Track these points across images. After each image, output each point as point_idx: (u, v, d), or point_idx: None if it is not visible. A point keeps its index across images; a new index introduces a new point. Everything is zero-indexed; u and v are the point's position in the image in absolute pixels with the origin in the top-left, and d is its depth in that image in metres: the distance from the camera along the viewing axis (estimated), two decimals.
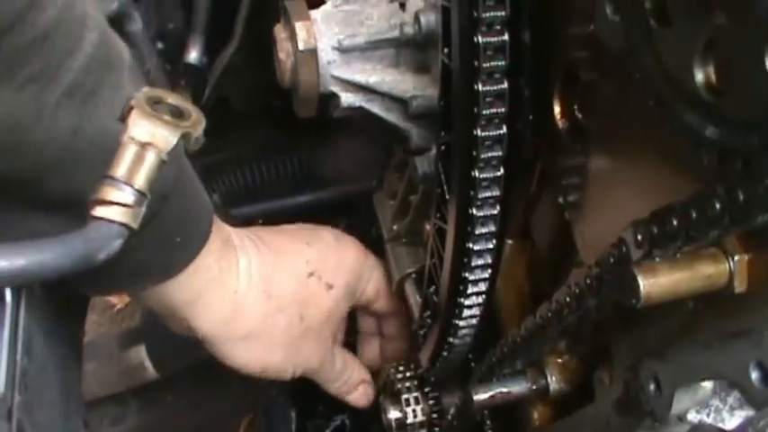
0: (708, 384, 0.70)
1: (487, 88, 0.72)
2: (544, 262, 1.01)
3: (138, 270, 0.86)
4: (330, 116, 0.95)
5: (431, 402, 1.14)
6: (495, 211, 0.79)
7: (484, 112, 0.73)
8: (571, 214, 0.84)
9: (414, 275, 1.11)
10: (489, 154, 0.75)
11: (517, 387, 0.94)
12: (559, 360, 0.93)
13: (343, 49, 0.90)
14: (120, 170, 0.67)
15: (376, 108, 0.93)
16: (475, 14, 0.69)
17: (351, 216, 1.40)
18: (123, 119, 0.68)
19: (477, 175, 0.76)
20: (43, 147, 0.69)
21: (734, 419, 0.71)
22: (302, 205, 1.42)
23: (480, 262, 0.83)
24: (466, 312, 0.90)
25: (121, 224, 0.67)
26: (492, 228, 0.80)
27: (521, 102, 0.76)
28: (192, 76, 1.32)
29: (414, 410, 1.13)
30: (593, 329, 0.80)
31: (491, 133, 0.74)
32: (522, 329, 0.86)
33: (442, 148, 0.82)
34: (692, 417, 0.71)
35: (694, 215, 0.57)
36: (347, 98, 0.92)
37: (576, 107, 0.80)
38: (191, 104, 0.72)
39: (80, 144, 0.70)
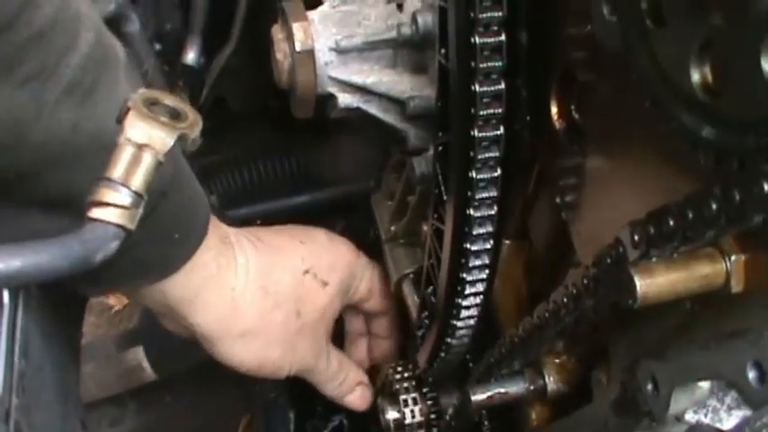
0: (705, 384, 0.70)
1: (484, 89, 0.72)
2: (541, 262, 1.01)
3: (137, 268, 0.86)
4: (327, 117, 0.95)
5: (429, 403, 1.14)
6: (493, 212, 0.79)
7: (481, 112, 0.73)
8: (568, 214, 0.84)
9: (411, 276, 1.11)
10: (486, 154, 0.75)
11: (515, 387, 0.94)
12: (557, 360, 0.93)
13: (340, 50, 0.90)
14: (117, 171, 0.67)
15: (373, 109, 0.93)
16: (472, 15, 0.69)
17: (348, 217, 1.40)
18: (120, 120, 0.68)
19: (474, 175, 0.76)
20: (43, 145, 0.69)
21: (731, 419, 0.71)
22: (300, 206, 1.42)
23: (478, 262, 0.83)
24: (464, 313, 0.90)
25: (118, 226, 0.67)
26: (489, 228, 0.80)
27: (518, 102, 0.76)
28: (190, 77, 1.32)
29: (412, 411, 1.13)
30: (591, 330, 0.80)
31: (488, 134, 0.74)
32: (520, 330, 0.86)
33: (440, 148, 0.82)
34: (690, 417, 0.71)
35: (691, 215, 0.58)
36: (344, 99, 0.92)
37: (573, 108, 0.80)
38: (188, 106, 0.73)
39: (80, 141, 0.71)
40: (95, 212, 0.67)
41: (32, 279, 0.68)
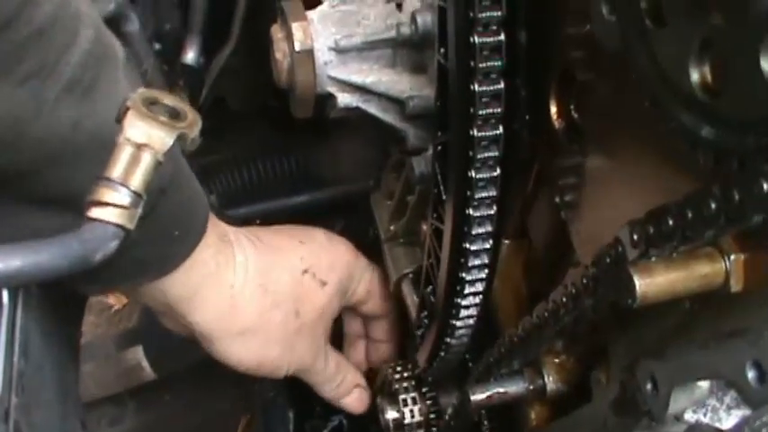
0: (704, 384, 0.70)
1: (484, 88, 0.72)
2: (541, 262, 1.01)
3: (136, 267, 0.86)
4: (327, 117, 0.95)
5: (428, 403, 1.14)
6: (492, 212, 0.79)
7: (480, 112, 0.72)
8: (568, 214, 0.84)
9: (411, 276, 1.11)
10: (486, 154, 0.75)
11: (514, 387, 0.94)
12: (556, 360, 0.93)
13: (339, 50, 0.90)
14: (116, 171, 0.67)
15: (373, 108, 0.93)
16: (471, 15, 0.69)
17: (348, 216, 1.40)
18: (119, 120, 0.68)
19: (473, 175, 0.76)
20: (43, 142, 0.70)
21: (731, 419, 0.71)
22: (299, 206, 1.42)
23: (477, 262, 0.83)
24: (463, 312, 0.90)
25: (117, 225, 0.67)
26: (489, 228, 0.80)
27: (517, 102, 0.76)
28: (189, 77, 1.32)
29: (411, 411, 1.13)
30: (590, 329, 0.80)
31: (487, 133, 0.74)
32: (519, 329, 0.86)
33: (439, 148, 0.82)
34: (689, 416, 0.72)
35: (690, 215, 0.58)
36: (344, 99, 0.92)
37: (572, 107, 0.80)
38: (187, 105, 0.73)
39: (80, 139, 0.71)
40: (95, 212, 0.67)
41: (32, 278, 0.68)
